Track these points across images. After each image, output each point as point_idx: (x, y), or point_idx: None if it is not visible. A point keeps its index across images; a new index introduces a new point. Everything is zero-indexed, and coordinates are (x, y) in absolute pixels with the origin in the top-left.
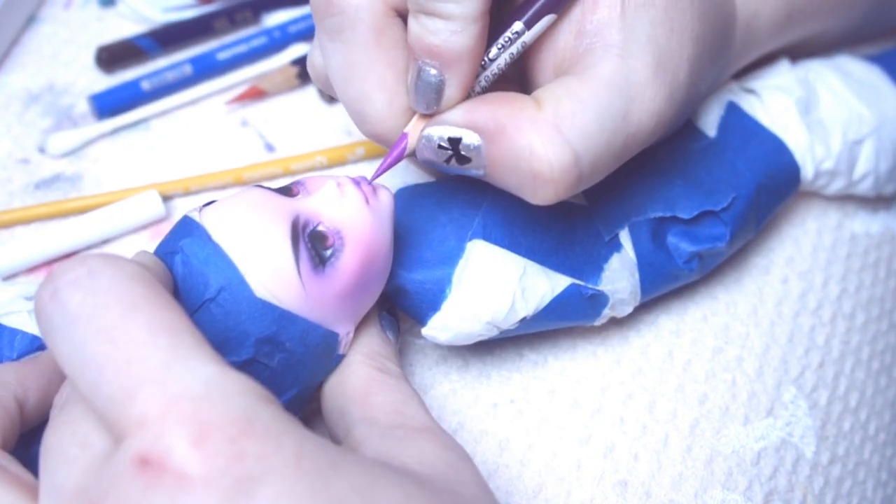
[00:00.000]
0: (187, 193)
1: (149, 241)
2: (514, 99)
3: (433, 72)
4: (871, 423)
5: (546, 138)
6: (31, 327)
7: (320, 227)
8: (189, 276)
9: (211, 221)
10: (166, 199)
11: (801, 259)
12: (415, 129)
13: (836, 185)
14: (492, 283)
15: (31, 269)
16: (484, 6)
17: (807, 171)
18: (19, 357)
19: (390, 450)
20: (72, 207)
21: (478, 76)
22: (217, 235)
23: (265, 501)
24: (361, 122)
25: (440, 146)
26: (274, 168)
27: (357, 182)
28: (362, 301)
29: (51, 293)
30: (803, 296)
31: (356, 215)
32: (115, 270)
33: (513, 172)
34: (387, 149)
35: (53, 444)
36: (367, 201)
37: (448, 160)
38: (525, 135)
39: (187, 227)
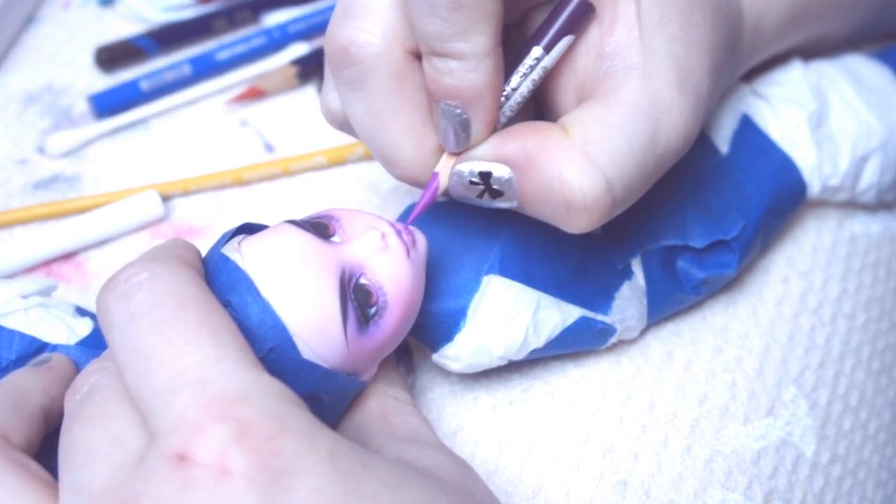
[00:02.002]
0: (186, 194)
1: (148, 242)
2: (541, 128)
3: (457, 111)
4: (871, 423)
5: (577, 166)
6: (28, 328)
7: (363, 281)
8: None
9: (256, 269)
10: (165, 199)
11: (801, 259)
12: (445, 168)
13: (838, 197)
14: (506, 319)
15: (30, 270)
16: (494, 40)
17: (813, 189)
18: (18, 358)
19: (410, 455)
20: (71, 208)
21: (501, 107)
22: (266, 290)
23: (302, 496)
24: (392, 168)
25: (472, 182)
26: (273, 168)
27: (398, 232)
28: (392, 348)
29: (117, 294)
30: (803, 295)
31: (400, 272)
32: (174, 275)
33: (546, 203)
34: (420, 189)
35: (78, 440)
36: (409, 253)
37: (480, 195)
38: (555, 164)
39: (232, 276)
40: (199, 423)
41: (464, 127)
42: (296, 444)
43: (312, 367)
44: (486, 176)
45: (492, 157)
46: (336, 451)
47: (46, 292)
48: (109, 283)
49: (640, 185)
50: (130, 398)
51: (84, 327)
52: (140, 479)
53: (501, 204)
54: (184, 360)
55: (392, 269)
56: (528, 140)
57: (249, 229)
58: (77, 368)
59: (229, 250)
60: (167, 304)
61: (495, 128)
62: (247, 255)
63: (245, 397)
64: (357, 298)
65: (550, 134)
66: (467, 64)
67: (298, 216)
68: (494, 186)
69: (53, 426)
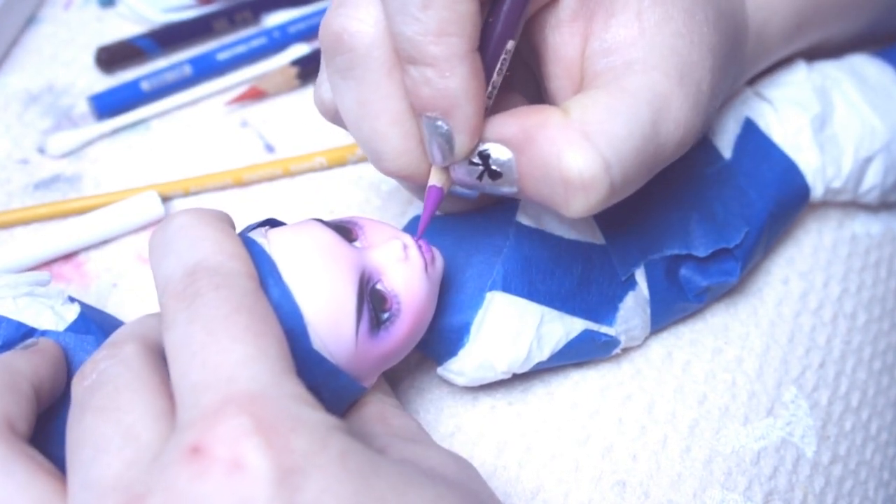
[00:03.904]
0: (187, 194)
1: (147, 243)
2: (540, 110)
3: (438, 122)
4: (872, 423)
5: (575, 144)
6: (15, 314)
7: (379, 286)
8: None
9: (280, 256)
10: (166, 199)
11: (802, 259)
12: (436, 180)
13: (840, 198)
14: (509, 335)
15: (31, 270)
16: (468, 43)
17: (816, 192)
18: (5, 343)
19: (416, 454)
20: (71, 208)
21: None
22: (287, 275)
23: (311, 495)
24: (378, 161)
25: (471, 162)
26: (274, 169)
27: (419, 247)
28: (397, 360)
29: (180, 298)
30: (804, 296)
31: (416, 284)
32: (234, 284)
33: (543, 183)
34: (404, 187)
35: (89, 432)
36: (426, 268)
37: (480, 177)
38: (553, 142)
39: (256, 257)
40: (215, 416)
41: (447, 139)
42: (308, 442)
43: (320, 359)
44: (485, 157)
45: (489, 136)
46: (347, 452)
47: (44, 282)
48: (177, 292)
49: (638, 172)
50: (146, 390)
51: (72, 313)
52: (154, 473)
53: (502, 188)
54: (223, 358)
55: (409, 280)
56: (527, 120)
57: (272, 224)
58: (66, 354)
59: (255, 235)
60: (223, 307)
61: (481, 136)
62: (273, 242)
63: (264, 395)
64: (372, 301)
65: (549, 114)
66: (442, 70)
67: (299, 217)
68: (493, 167)
69: (42, 409)
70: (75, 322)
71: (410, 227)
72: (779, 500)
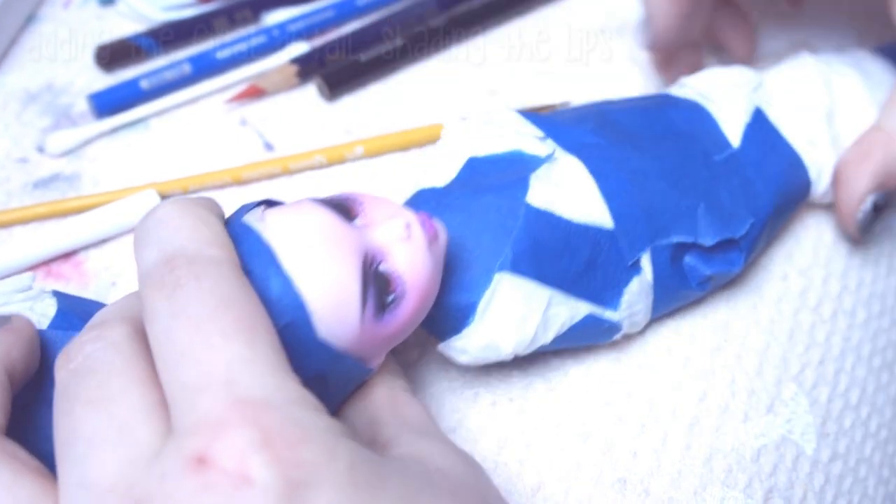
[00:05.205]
0: (186, 193)
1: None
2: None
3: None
4: (872, 420)
5: None
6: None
7: (383, 268)
8: None
9: (279, 242)
10: (165, 198)
11: (801, 256)
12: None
13: None
14: (517, 317)
15: (29, 269)
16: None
17: (817, 188)
18: None
19: (423, 453)
20: (70, 207)
21: None
22: (287, 263)
23: None
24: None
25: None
26: (273, 167)
27: (422, 222)
28: (402, 338)
29: (164, 293)
30: (803, 292)
31: (420, 264)
32: (219, 274)
33: None
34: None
35: (81, 426)
36: (430, 245)
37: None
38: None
39: (254, 246)
40: (221, 426)
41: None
42: (316, 454)
43: (325, 347)
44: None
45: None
46: (355, 463)
47: (25, 288)
48: (156, 282)
49: None
50: (138, 380)
51: (49, 307)
52: (155, 477)
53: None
54: (216, 357)
55: (413, 260)
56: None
57: (269, 203)
58: (51, 352)
59: (252, 220)
60: (209, 301)
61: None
62: (270, 227)
63: (268, 402)
64: (377, 284)
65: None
66: None
67: None
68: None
69: (15, 392)
70: (55, 319)
71: (413, 202)
72: (779, 497)
